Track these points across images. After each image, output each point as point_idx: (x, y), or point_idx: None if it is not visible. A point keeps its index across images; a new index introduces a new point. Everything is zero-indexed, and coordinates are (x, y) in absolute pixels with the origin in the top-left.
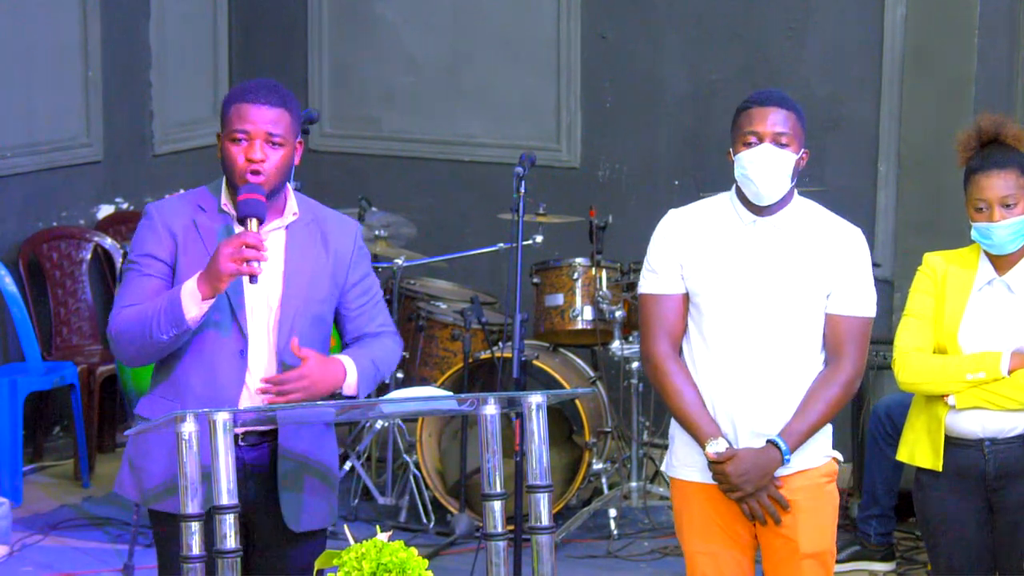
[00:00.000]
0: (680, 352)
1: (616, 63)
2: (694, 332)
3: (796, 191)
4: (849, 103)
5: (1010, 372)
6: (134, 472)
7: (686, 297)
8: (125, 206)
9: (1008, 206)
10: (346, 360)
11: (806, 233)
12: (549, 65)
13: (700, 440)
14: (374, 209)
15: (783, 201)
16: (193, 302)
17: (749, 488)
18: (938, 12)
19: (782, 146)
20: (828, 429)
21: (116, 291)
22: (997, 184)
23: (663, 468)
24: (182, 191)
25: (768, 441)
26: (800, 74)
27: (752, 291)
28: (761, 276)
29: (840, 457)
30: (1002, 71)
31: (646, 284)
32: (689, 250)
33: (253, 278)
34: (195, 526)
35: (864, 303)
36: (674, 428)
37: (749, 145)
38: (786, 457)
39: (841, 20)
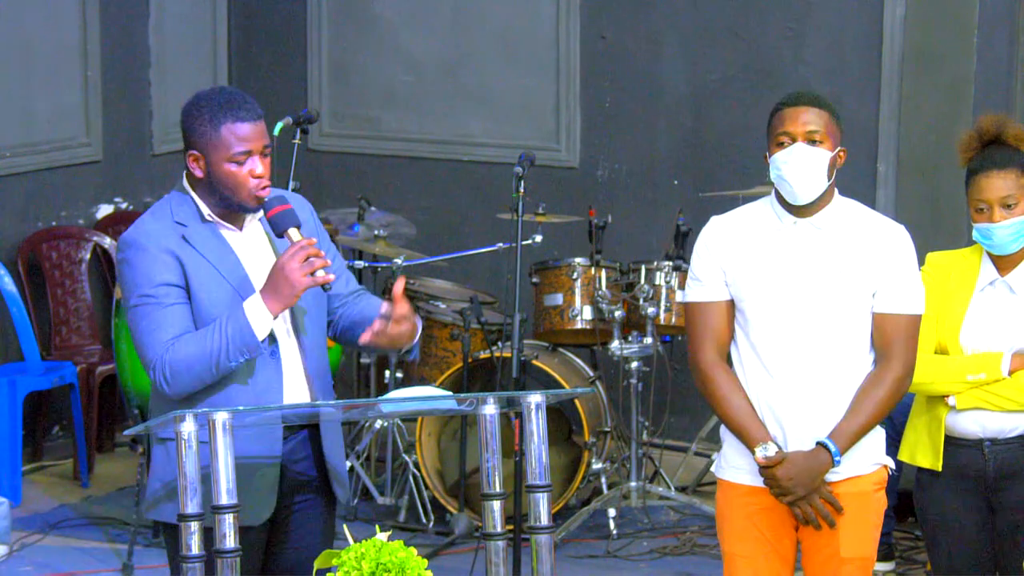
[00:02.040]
0: (729, 359)
1: (615, 63)
2: (741, 338)
3: (836, 190)
4: (849, 103)
5: (1010, 373)
6: (170, 494)
7: (731, 304)
8: (124, 206)
9: (1008, 206)
10: None
11: (848, 232)
12: (548, 65)
13: (749, 445)
14: (374, 209)
15: (823, 201)
16: (262, 322)
17: (800, 491)
18: (938, 12)
19: (814, 144)
20: (880, 435)
21: (137, 331)
22: (997, 184)
23: (713, 469)
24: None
25: (818, 443)
26: (800, 74)
27: (796, 293)
28: (804, 278)
29: (892, 464)
30: (1002, 71)
31: (691, 293)
32: (731, 256)
33: (328, 285)
34: (194, 526)
35: (911, 300)
36: (724, 431)
37: (782, 146)
38: (836, 458)
39: (841, 20)
